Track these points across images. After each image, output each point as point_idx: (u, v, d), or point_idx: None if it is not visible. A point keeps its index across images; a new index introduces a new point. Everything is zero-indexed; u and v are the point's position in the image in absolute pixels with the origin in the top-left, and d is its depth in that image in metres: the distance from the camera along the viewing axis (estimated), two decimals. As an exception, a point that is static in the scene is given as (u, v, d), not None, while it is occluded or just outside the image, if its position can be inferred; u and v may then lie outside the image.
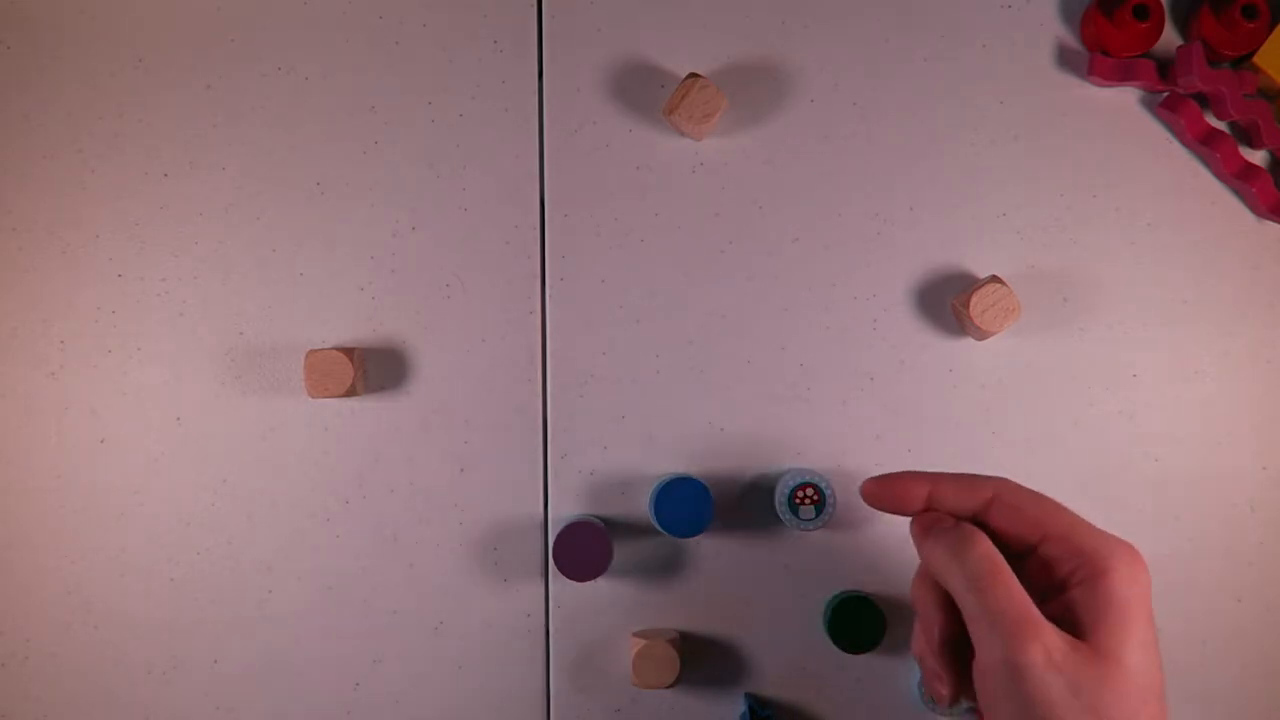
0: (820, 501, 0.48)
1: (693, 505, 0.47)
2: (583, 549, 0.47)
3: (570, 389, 0.50)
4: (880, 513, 0.48)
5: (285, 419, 0.50)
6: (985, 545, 0.36)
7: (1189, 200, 0.50)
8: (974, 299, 0.47)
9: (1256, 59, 0.48)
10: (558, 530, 0.48)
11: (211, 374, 0.50)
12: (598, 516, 0.50)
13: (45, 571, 0.50)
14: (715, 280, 0.50)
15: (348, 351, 0.48)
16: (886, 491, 0.39)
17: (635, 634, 0.49)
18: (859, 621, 0.47)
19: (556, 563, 0.47)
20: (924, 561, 0.38)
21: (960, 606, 0.36)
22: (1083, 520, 0.37)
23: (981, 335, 0.48)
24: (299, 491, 0.50)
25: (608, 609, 0.50)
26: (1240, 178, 0.49)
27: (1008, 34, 0.50)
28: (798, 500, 0.48)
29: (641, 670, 0.47)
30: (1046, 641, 0.33)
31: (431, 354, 0.50)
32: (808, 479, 0.48)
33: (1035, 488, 0.50)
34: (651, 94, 0.50)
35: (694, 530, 0.47)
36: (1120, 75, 0.49)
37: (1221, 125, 0.50)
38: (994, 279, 0.47)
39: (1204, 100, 0.50)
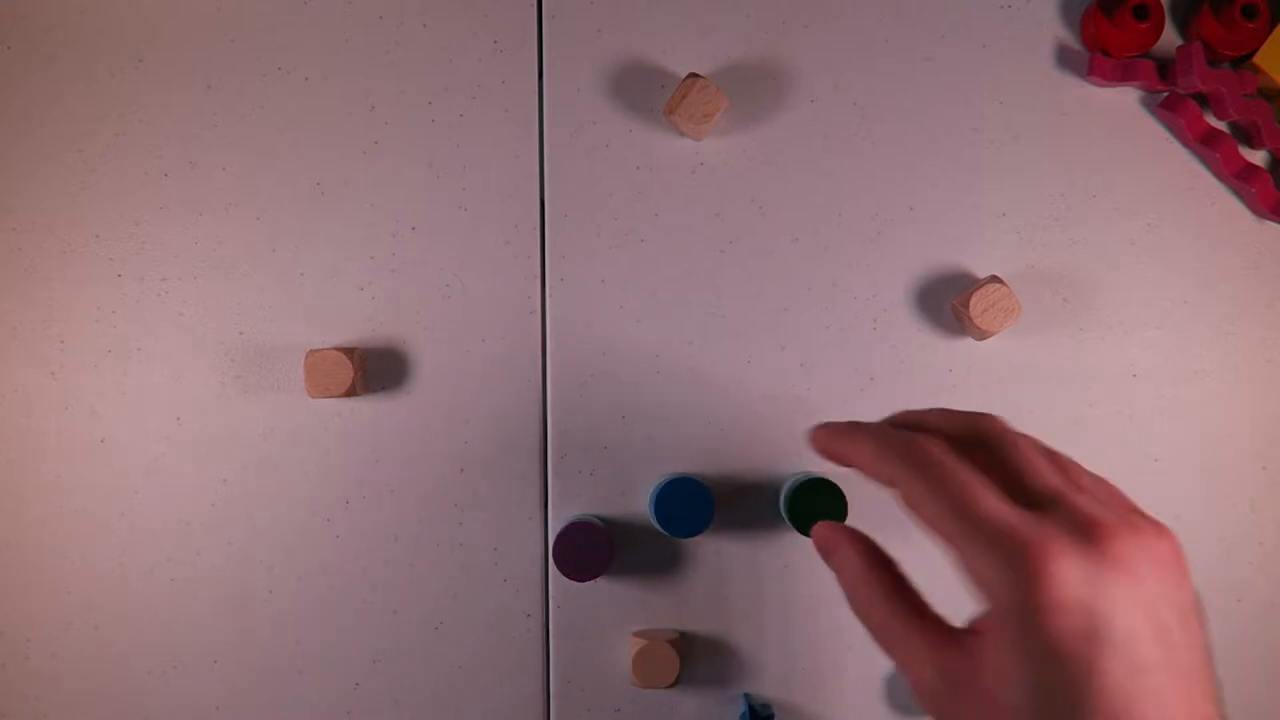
0: None
1: (693, 505, 0.47)
2: (583, 549, 0.47)
3: (570, 389, 0.50)
4: (881, 525, 0.48)
5: (285, 419, 0.50)
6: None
7: (1189, 200, 0.50)
8: (974, 299, 0.47)
9: (1256, 59, 0.48)
10: (557, 530, 0.48)
11: (211, 374, 0.50)
12: (598, 516, 0.50)
13: (45, 571, 0.50)
14: (715, 280, 0.50)
15: (348, 351, 0.48)
16: (832, 447, 0.36)
17: (635, 634, 0.49)
18: (819, 503, 0.47)
19: (556, 563, 0.47)
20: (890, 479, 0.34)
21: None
22: (955, 522, 0.32)
23: (981, 335, 0.48)
24: (299, 491, 0.50)
25: (608, 609, 0.50)
26: (1240, 178, 0.49)
27: (1008, 34, 0.50)
28: None
29: (641, 670, 0.47)
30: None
31: (431, 354, 0.50)
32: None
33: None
34: (651, 94, 0.50)
35: (694, 530, 0.47)
36: (1120, 75, 0.49)
37: (1221, 125, 0.50)
38: (994, 279, 0.47)
39: (1204, 100, 0.50)
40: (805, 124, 0.50)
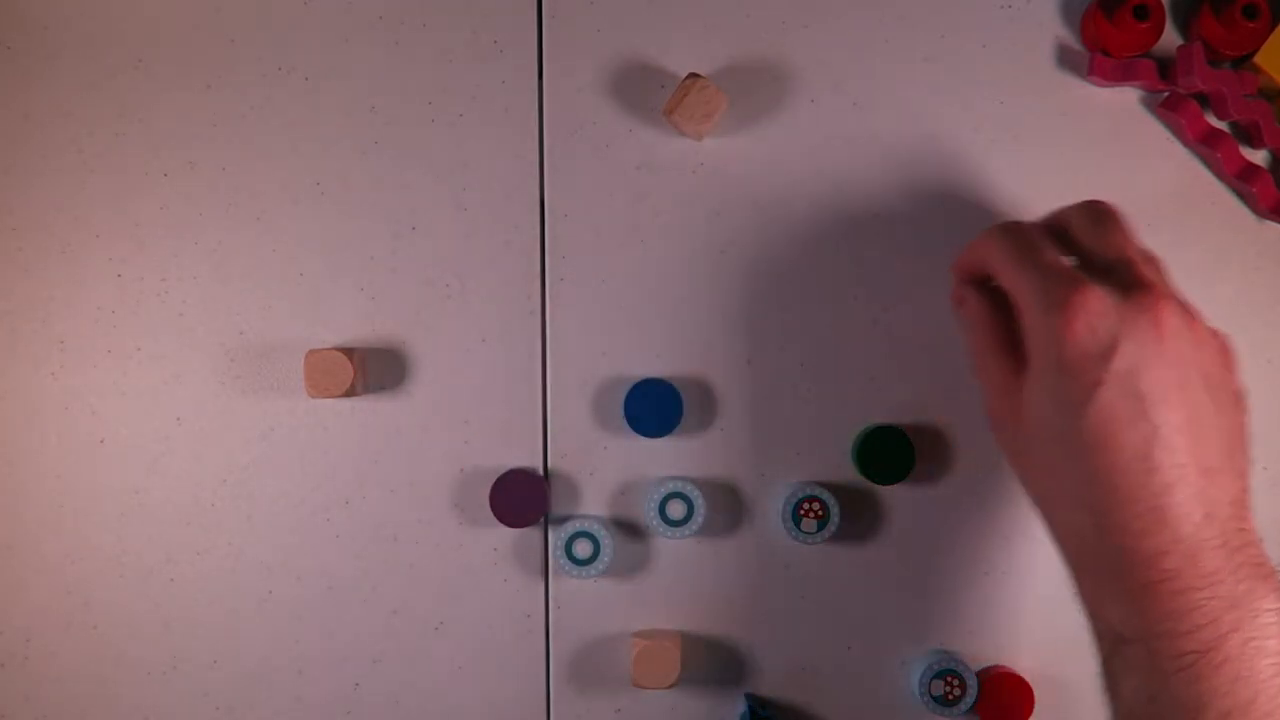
0: (824, 517, 0.48)
1: (661, 405, 0.48)
2: (518, 496, 0.48)
3: (570, 389, 0.50)
4: (881, 527, 0.50)
5: (285, 419, 0.50)
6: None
7: (1189, 200, 0.50)
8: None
9: (1257, 59, 0.48)
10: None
11: (211, 374, 0.50)
12: (599, 517, 0.49)
13: (45, 571, 0.50)
14: (715, 280, 0.50)
15: (348, 351, 0.48)
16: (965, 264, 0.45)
17: (635, 634, 0.49)
18: (888, 451, 0.48)
19: (494, 510, 0.48)
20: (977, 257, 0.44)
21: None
22: (1022, 265, 0.40)
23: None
24: (299, 491, 0.50)
25: (608, 609, 0.50)
26: (1241, 178, 0.49)
27: (1008, 34, 0.50)
28: (801, 513, 0.48)
29: (641, 670, 0.47)
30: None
31: (431, 354, 0.50)
32: (813, 493, 0.48)
33: (1035, 488, 0.50)
34: (651, 94, 0.50)
35: (664, 429, 0.48)
36: (1120, 75, 0.49)
37: (1222, 125, 0.50)
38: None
39: (1204, 100, 0.50)
40: (805, 124, 0.50)
